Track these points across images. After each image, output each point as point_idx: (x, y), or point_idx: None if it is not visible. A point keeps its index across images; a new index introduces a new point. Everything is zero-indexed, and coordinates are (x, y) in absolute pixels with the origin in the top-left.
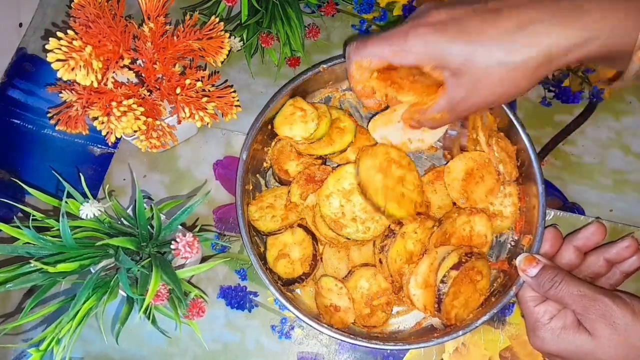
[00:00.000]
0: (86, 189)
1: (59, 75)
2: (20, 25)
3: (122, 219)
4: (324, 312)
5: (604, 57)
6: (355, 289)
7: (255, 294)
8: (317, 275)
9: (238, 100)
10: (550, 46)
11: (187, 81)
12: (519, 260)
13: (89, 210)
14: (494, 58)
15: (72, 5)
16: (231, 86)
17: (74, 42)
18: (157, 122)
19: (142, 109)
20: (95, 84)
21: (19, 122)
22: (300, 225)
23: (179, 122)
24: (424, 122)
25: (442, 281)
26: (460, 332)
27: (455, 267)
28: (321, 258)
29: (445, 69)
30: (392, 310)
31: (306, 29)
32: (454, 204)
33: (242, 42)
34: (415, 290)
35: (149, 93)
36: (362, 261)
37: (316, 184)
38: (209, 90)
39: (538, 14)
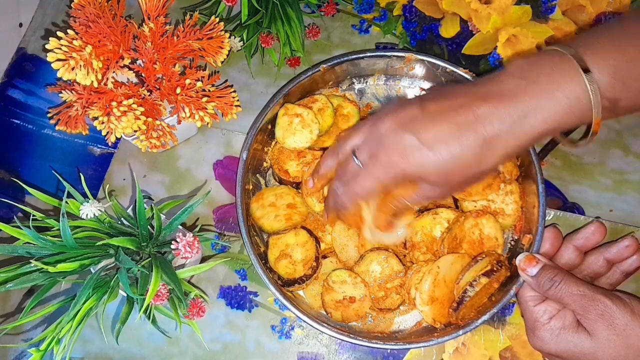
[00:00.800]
0: (86, 189)
1: (59, 75)
2: (21, 25)
3: (122, 219)
4: (335, 308)
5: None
6: (367, 273)
7: (255, 294)
8: (319, 276)
9: (238, 100)
10: (487, 135)
11: (187, 81)
12: (519, 260)
13: (89, 210)
14: (455, 160)
15: (72, 5)
16: (231, 86)
17: (74, 42)
18: (157, 122)
19: (142, 109)
20: (95, 84)
21: (19, 122)
22: (303, 227)
23: (179, 122)
24: (398, 211)
25: (470, 284)
26: (461, 332)
27: (487, 274)
28: (323, 258)
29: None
30: (407, 293)
31: (306, 29)
32: (457, 206)
33: (242, 42)
34: (422, 307)
35: (149, 93)
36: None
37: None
38: (209, 90)
39: (486, 109)
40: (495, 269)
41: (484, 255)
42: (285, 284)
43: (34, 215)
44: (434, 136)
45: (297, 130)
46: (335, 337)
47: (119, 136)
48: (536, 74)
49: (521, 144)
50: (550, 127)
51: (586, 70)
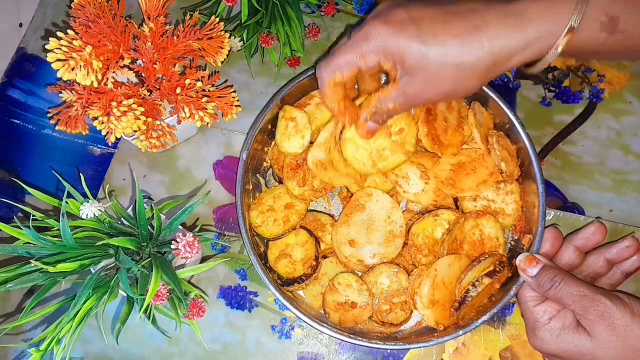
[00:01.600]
0: (86, 189)
1: (59, 75)
2: (21, 25)
3: (122, 219)
4: (334, 309)
5: (542, 57)
6: (375, 285)
7: (255, 294)
8: (319, 276)
9: (238, 100)
10: (495, 49)
11: (187, 81)
12: (519, 260)
13: (89, 210)
14: (446, 58)
15: (72, 5)
16: (231, 86)
17: (74, 42)
18: (157, 122)
19: (142, 109)
20: (95, 84)
21: (19, 122)
22: (303, 228)
23: (179, 122)
24: (379, 112)
25: (473, 284)
26: (461, 332)
27: (489, 274)
28: (323, 258)
29: (401, 66)
30: (411, 312)
31: (306, 29)
32: (457, 206)
33: (242, 42)
34: (424, 311)
35: (149, 93)
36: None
37: (301, 166)
38: (209, 90)
39: (488, 19)
40: (497, 269)
41: (487, 256)
42: (284, 284)
43: (34, 215)
44: (422, 14)
45: (291, 135)
46: (335, 337)
47: (118, 136)
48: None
49: (520, 57)
50: (538, 50)
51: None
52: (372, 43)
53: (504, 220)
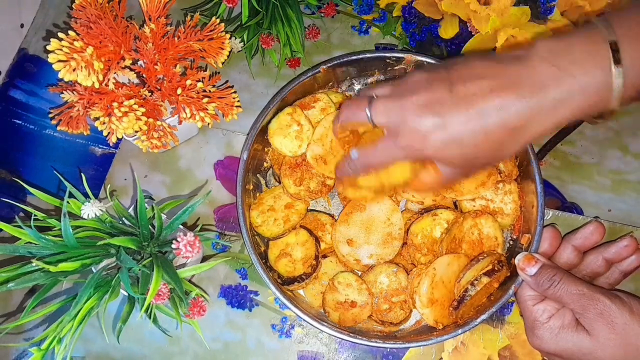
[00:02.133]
0: (87, 189)
1: (60, 75)
2: (22, 25)
3: (123, 218)
4: (334, 308)
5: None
6: (375, 284)
7: (256, 293)
8: (319, 275)
9: (238, 101)
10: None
11: (188, 82)
12: (518, 259)
13: (90, 210)
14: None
15: (73, 6)
16: (232, 87)
17: (75, 43)
18: (158, 123)
19: (143, 109)
20: (97, 85)
21: (20, 122)
22: (303, 227)
23: (180, 122)
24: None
25: (472, 283)
26: (460, 331)
27: (488, 273)
28: (323, 257)
29: (446, 163)
30: (411, 311)
31: (306, 30)
32: (456, 206)
33: (242, 43)
34: (423, 310)
35: (150, 94)
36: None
37: (300, 166)
38: (210, 91)
39: (501, 89)
40: (496, 268)
41: (485, 255)
42: (285, 283)
43: (35, 215)
44: (459, 122)
45: (289, 136)
46: (335, 336)
47: (120, 136)
48: (569, 62)
49: (546, 131)
50: (578, 114)
51: (618, 61)
52: (408, 156)
53: (503, 219)
